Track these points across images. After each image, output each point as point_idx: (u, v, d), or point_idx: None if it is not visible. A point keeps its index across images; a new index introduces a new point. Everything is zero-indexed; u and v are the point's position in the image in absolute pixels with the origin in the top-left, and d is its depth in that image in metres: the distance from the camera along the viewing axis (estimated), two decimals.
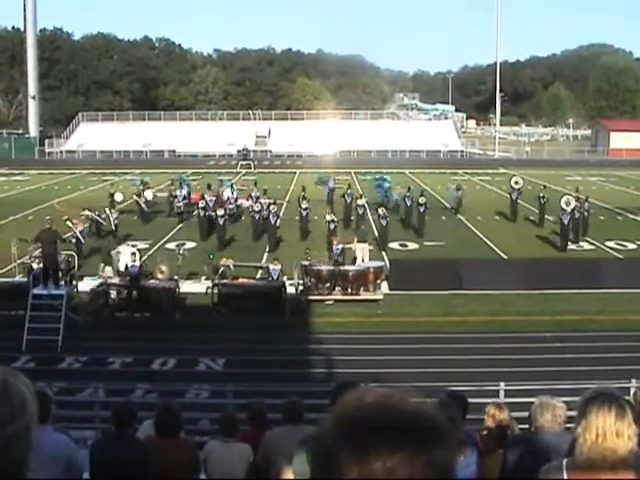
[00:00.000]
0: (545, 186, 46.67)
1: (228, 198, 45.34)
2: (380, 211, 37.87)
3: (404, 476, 1.65)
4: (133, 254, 28.07)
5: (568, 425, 8.29)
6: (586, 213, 40.12)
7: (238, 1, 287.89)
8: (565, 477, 3.87)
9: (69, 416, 14.80)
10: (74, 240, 33.38)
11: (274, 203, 39.60)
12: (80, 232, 34.38)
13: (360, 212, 40.96)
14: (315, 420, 9.17)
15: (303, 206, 40.42)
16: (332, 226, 36.54)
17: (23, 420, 1.95)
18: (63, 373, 21.06)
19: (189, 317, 26.16)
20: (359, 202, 41.34)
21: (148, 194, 46.92)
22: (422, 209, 41.23)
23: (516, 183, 47.03)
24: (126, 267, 27.21)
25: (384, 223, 37.43)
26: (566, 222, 37.30)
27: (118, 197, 46.43)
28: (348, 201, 43.64)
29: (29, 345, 22.72)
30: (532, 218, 44.79)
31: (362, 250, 32.87)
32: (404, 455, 1.66)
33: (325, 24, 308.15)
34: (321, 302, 27.78)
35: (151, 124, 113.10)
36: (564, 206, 37.79)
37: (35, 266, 26.71)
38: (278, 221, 38.70)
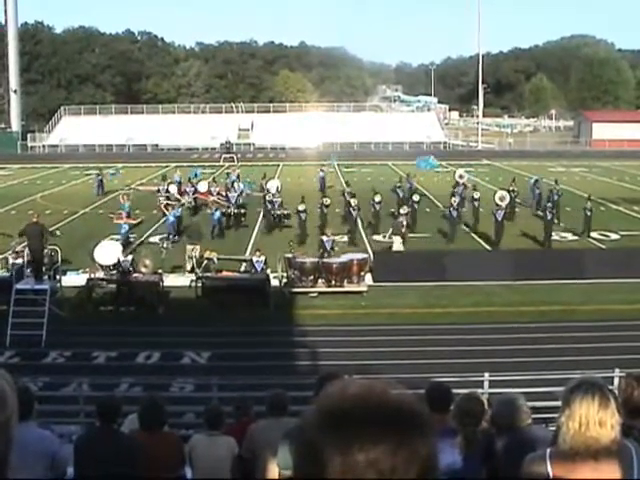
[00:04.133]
0: (514, 179, 46.86)
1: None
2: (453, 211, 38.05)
3: (387, 467, 1.65)
4: (124, 248, 28.04)
5: (549, 415, 8.34)
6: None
7: None
8: (548, 466, 3.89)
9: (54, 411, 14.77)
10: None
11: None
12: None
13: (377, 208, 40.62)
14: (299, 412, 9.18)
15: (376, 200, 40.00)
16: (404, 221, 36.21)
17: (3, 415, 1.93)
18: (47, 368, 21.04)
19: (173, 310, 26.13)
20: (376, 199, 40.81)
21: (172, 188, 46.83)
22: (476, 204, 41.18)
23: (460, 177, 47.11)
24: (118, 261, 27.09)
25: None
26: (500, 218, 36.51)
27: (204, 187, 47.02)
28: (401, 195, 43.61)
29: (13, 340, 22.65)
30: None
31: (396, 243, 33.41)
32: (387, 447, 1.66)
33: (307, 16, 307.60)
34: (305, 294, 27.80)
35: (134, 118, 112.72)
36: (498, 202, 37.48)
37: (11, 260, 26.60)
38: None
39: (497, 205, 37.27)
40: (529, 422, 6.93)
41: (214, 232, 37.96)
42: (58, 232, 32.03)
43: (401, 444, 1.67)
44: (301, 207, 37.55)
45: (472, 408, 6.99)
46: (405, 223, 35.97)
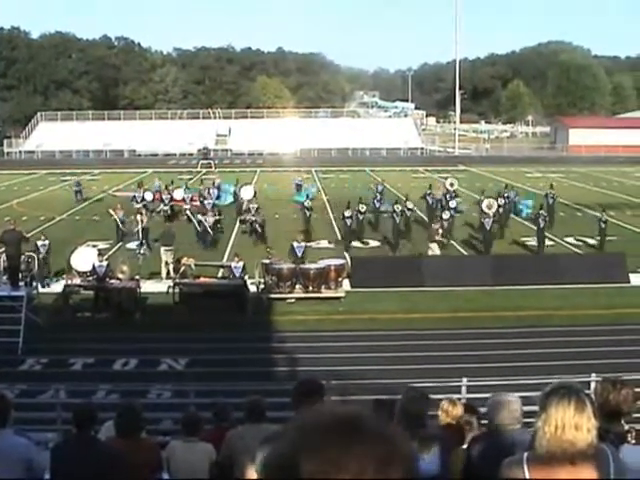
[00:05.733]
0: (507, 185, 46.85)
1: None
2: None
3: None
4: (100, 254, 27.94)
5: (527, 420, 8.35)
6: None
7: None
8: (525, 470, 3.90)
9: (30, 418, 14.65)
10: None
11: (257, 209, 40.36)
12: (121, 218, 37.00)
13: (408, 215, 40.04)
14: (278, 418, 9.18)
15: (409, 206, 39.64)
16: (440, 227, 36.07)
17: None
18: (24, 375, 20.89)
19: (151, 317, 26.04)
20: (408, 205, 40.02)
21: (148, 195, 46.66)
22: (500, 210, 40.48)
23: (451, 185, 46.98)
24: (93, 267, 26.96)
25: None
26: (488, 227, 35.36)
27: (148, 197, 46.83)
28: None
29: None
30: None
31: (434, 249, 33.70)
32: (369, 473, 1.64)
33: (285, 22, 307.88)
34: (283, 300, 27.76)
35: (111, 123, 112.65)
36: (486, 210, 37.15)
37: None
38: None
39: (484, 213, 36.86)
40: (517, 426, 6.90)
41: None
42: None
43: (383, 469, 1.65)
44: (347, 213, 37.41)
45: (417, 409, 6.98)
46: (442, 230, 35.58)
